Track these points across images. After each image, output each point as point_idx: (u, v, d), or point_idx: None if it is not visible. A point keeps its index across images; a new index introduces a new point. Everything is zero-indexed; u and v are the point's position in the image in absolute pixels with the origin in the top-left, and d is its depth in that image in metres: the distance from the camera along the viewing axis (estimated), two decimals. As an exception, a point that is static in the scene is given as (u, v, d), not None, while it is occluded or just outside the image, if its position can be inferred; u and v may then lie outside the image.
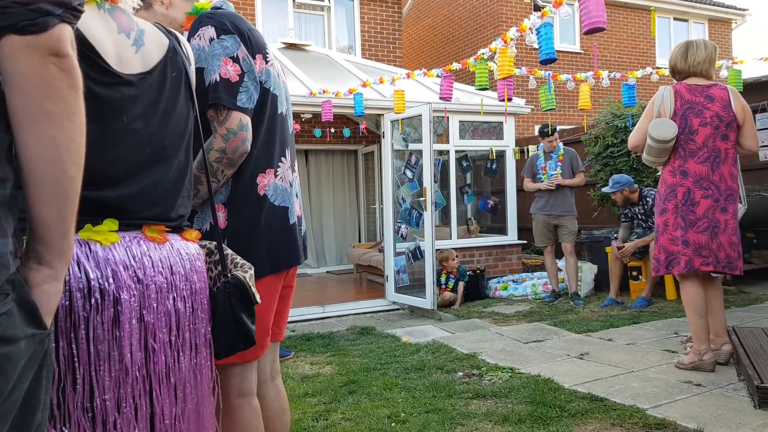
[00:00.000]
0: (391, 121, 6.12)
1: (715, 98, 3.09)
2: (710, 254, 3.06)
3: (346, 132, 8.11)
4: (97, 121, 1.03)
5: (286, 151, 1.61)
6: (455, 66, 4.85)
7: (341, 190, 9.40)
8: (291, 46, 8.15)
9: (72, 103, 0.78)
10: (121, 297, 1.01)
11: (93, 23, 1.03)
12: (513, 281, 6.43)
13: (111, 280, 1.01)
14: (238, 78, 1.43)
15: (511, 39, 3.95)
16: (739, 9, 13.33)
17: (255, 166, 1.51)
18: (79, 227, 1.00)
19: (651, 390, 2.91)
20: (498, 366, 3.50)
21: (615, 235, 5.64)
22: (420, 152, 5.85)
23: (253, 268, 1.33)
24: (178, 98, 1.19)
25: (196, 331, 1.17)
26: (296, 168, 1.71)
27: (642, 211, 5.32)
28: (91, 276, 0.98)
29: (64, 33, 0.75)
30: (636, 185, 5.41)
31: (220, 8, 1.56)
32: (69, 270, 0.96)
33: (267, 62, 1.53)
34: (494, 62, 4.43)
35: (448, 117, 6.52)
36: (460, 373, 3.40)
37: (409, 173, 6.09)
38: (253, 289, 1.30)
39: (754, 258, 5.80)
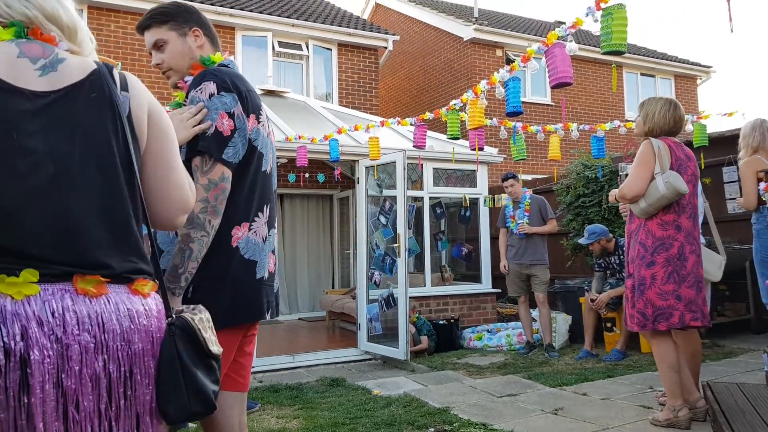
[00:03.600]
0: (366, 167, 6.13)
1: (691, 157, 3.18)
2: (698, 309, 3.04)
3: (321, 177, 8.11)
4: None
5: (264, 208, 1.65)
6: (429, 115, 4.91)
7: (316, 235, 9.31)
8: (269, 93, 8.21)
9: None
10: (31, 357, 0.90)
11: None
12: (488, 331, 6.34)
13: (18, 338, 0.90)
14: (230, 132, 1.52)
15: (482, 91, 4.02)
16: (704, 66, 13.91)
17: (231, 219, 1.54)
18: None
19: (627, 449, 2.82)
20: (471, 422, 3.38)
21: (588, 286, 5.63)
22: (394, 198, 5.84)
23: (206, 312, 1.21)
24: (100, 120, 1.07)
25: (135, 398, 1.03)
26: (275, 225, 1.73)
27: (617, 261, 5.34)
28: None
29: None
30: (611, 234, 5.45)
31: (227, 66, 1.68)
32: None
33: (259, 122, 1.61)
34: (466, 113, 4.51)
35: (423, 164, 6.56)
36: (432, 429, 3.26)
37: (383, 219, 6.06)
38: (205, 336, 1.14)
39: (727, 310, 5.82)
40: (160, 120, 1.21)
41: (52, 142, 1.00)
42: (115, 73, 1.16)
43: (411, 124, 5.07)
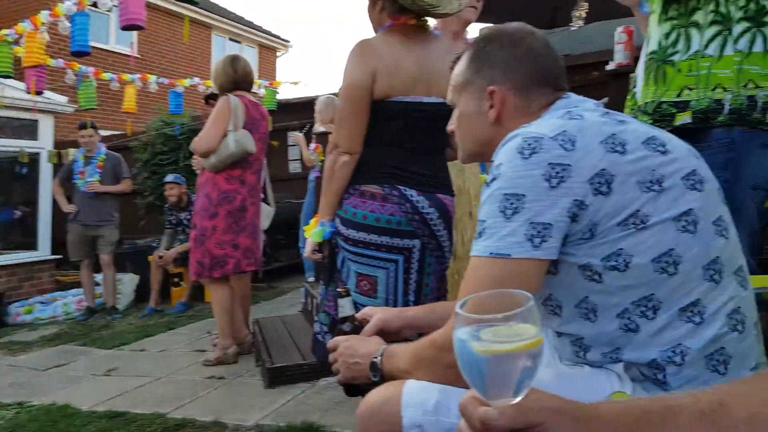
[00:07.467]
0: None
1: (265, 117, 3.39)
2: (252, 255, 3.30)
3: None
4: None
5: None
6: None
7: None
8: None
9: None
10: None
11: None
12: (41, 303, 5.53)
13: None
14: None
15: (43, 23, 3.45)
16: (283, 40, 15.56)
17: None
18: None
19: (175, 393, 2.89)
20: (1, 404, 2.88)
21: (158, 244, 5.56)
22: None
23: None
24: None
25: None
26: None
27: (188, 217, 5.39)
28: None
29: None
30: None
31: None
32: None
33: None
34: (22, 46, 3.81)
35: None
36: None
37: None
38: None
39: (282, 256, 6.66)
40: None
41: None
42: None
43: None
